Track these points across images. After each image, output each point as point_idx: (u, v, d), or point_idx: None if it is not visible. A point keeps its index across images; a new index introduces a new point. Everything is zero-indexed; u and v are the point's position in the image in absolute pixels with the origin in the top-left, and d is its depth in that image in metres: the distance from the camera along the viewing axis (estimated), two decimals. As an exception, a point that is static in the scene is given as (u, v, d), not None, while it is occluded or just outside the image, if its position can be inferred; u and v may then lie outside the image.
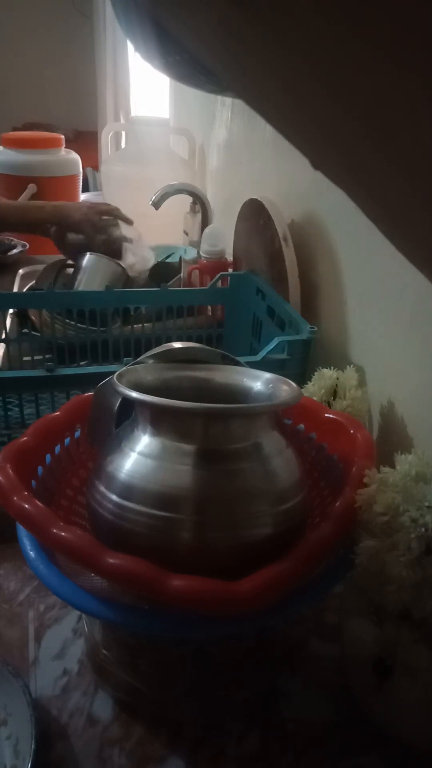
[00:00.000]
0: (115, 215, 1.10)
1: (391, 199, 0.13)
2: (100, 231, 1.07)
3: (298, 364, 0.66)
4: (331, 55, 0.11)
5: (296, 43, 0.11)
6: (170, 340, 0.62)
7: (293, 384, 0.42)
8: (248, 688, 0.48)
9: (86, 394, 0.52)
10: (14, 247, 1.39)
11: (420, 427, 0.57)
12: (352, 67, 0.11)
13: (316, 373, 0.63)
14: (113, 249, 1.06)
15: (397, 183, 0.13)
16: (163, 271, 1.09)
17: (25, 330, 0.93)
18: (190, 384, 0.46)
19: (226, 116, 1.24)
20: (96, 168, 2.41)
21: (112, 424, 0.44)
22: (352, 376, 0.61)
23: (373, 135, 0.12)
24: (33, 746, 0.39)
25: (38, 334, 0.88)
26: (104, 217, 1.09)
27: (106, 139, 1.68)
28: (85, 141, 2.66)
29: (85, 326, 0.86)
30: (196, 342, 0.58)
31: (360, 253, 0.68)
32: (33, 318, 0.94)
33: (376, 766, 0.43)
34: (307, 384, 0.62)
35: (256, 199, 0.86)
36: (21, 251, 1.38)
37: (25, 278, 1.20)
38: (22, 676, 0.44)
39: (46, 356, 0.88)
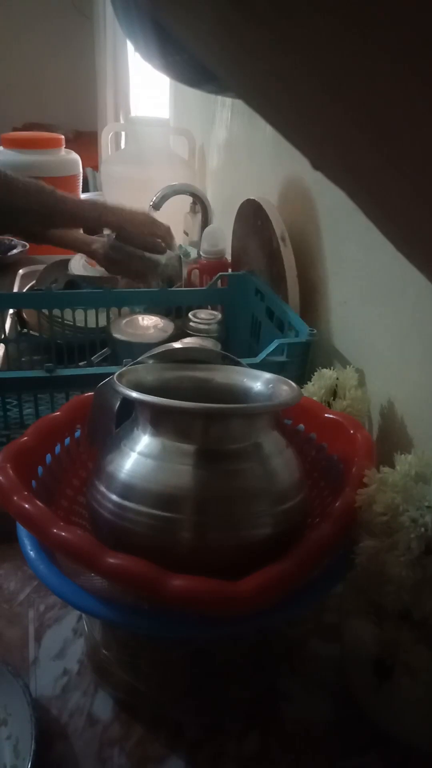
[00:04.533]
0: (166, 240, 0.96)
1: (391, 199, 0.13)
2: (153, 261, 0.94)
3: (298, 366, 0.66)
4: (331, 55, 0.11)
5: (296, 43, 0.11)
6: (170, 340, 0.62)
7: (293, 384, 0.42)
8: (248, 688, 0.48)
9: (86, 395, 0.52)
10: (14, 247, 1.39)
11: (420, 427, 0.57)
12: (352, 67, 0.11)
13: (316, 373, 0.63)
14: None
15: (397, 183, 0.13)
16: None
17: (25, 330, 0.93)
18: (190, 384, 0.46)
19: (226, 116, 1.24)
20: (96, 168, 2.41)
21: (112, 424, 0.44)
22: (352, 376, 0.61)
23: (373, 135, 0.12)
24: (33, 746, 0.39)
25: (38, 335, 0.88)
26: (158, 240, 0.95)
27: (106, 139, 1.68)
28: (85, 141, 2.66)
29: (83, 326, 0.86)
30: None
31: (359, 253, 0.68)
32: (25, 317, 0.93)
33: (376, 766, 0.43)
34: (307, 384, 0.62)
35: (254, 200, 0.86)
36: (21, 251, 1.38)
37: (25, 278, 1.20)
38: (22, 676, 0.44)
39: (46, 356, 0.87)
